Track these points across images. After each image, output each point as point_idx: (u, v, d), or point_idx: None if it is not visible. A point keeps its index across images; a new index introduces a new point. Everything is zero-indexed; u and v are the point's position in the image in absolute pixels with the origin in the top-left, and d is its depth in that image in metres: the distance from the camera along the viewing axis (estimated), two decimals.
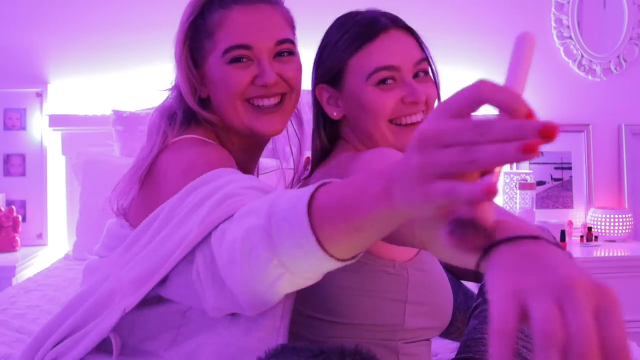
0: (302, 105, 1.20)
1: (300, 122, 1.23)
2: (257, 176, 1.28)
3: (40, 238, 2.66)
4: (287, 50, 1.06)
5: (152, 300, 0.89)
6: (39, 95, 2.64)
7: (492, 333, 0.43)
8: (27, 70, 2.66)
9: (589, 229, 2.71)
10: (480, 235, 0.49)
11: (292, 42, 1.08)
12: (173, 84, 1.11)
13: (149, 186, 1.00)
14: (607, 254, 2.54)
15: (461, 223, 0.49)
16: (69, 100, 2.67)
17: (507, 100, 0.47)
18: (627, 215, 2.76)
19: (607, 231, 2.74)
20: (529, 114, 0.47)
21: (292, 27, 1.11)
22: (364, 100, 1.03)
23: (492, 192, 0.45)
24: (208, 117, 1.06)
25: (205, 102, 1.08)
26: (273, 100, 1.06)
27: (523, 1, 2.85)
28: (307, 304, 1.03)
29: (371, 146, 1.04)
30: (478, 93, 0.48)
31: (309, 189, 0.66)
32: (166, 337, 0.92)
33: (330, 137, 1.12)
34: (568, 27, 2.86)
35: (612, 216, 2.74)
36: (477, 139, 0.46)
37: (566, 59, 2.89)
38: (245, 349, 0.84)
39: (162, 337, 0.93)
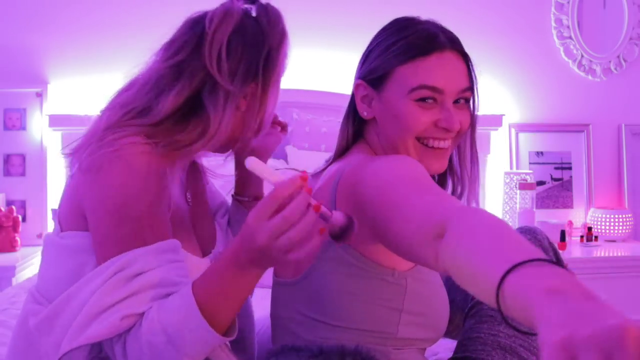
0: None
1: None
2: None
3: (40, 238, 2.65)
4: None
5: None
6: (39, 95, 2.64)
7: None
8: (27, 70, 2.66)
9: (589, 229, 2.71)
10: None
11: None
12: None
13: (78, 179, 0.99)
14: (607, 254, 2.54)
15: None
16: (69, 100, 2.67)
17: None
18: (627, 215, 2.76)
19: (607, 231, 2.74)
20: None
21: None
22: (400, 112, 1.01)
23: None
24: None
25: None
26: None
27: (523, 1, 2.85)
28: (307, 305, 1.03)
29: (391, 154, 1.04)
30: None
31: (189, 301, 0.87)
32: None
33: (354, 134, 1.11)
34: (568, 27, 2.86)
35: (612, 216, 2.74)
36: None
37: (566, 59, 2.89)
38: None
39: None
